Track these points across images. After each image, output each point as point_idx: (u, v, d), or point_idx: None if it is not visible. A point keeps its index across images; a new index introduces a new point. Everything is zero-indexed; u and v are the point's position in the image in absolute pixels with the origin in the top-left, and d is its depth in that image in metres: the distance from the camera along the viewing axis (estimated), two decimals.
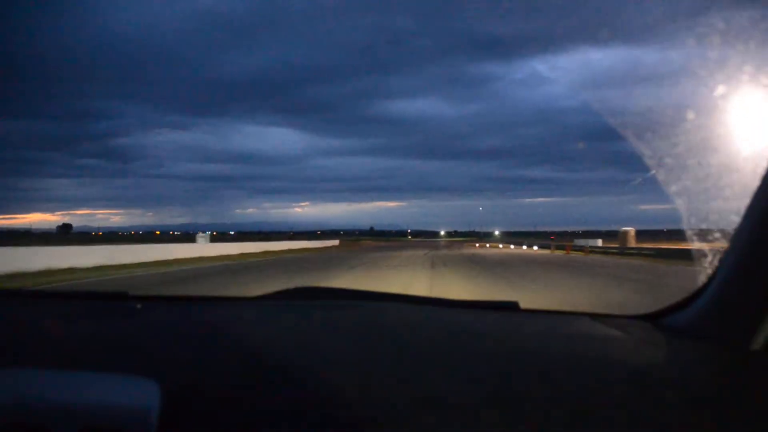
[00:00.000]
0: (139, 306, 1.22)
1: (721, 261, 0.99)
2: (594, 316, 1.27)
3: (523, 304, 1.33)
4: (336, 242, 69.27)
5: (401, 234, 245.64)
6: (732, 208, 0.98)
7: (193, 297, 1.48)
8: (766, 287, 0.85)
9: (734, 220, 0.96)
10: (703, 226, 1.12)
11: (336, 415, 0.70)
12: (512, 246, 57.32)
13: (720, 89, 1.12)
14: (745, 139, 1.12)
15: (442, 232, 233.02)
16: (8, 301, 1.42)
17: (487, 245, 60.26)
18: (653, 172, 1.21)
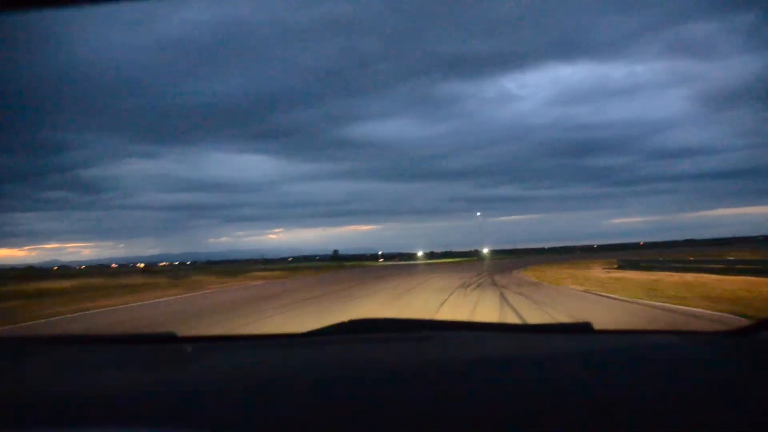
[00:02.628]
0: (189, 349, 1.19)
1: None
2: (680, 334, 1.16)
3: None
4: None
5: (372, 257, 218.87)
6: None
7: (245, 336, 1.42)
8: None
9: None
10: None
11: None
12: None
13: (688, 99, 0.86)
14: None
15: (420, 253, 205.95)
16: (49, 347, 1.31)
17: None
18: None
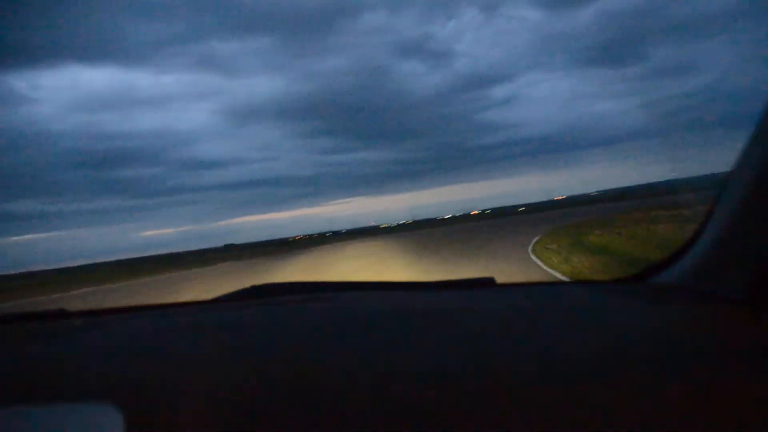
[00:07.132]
0: (78, 323, 1.12)
1: (708, 215, 0.98)
2: (576, 283, 1.29)
3: None
4: None
5: None
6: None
7: (140, 306, 1.33)
8: (757, 240, 0.83)
9: None
10: None
11: (324, 420, 0.64)
12: None
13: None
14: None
15: None
16: None
17: None
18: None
